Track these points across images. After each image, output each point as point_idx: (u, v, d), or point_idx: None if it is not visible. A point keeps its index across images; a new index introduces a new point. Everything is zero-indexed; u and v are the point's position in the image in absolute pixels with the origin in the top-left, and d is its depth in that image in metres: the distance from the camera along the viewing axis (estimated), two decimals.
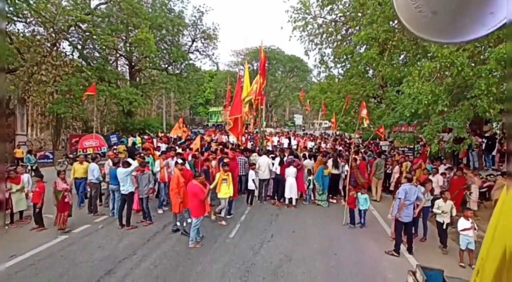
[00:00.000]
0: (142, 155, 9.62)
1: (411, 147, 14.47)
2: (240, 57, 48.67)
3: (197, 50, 30.94)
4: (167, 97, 36.25)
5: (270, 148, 14.92)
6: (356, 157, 11.57)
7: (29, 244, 6.48)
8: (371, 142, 20.03)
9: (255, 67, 36.97)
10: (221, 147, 12.16)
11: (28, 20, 18.94)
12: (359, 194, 8.08)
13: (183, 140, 15.28)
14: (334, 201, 10.36)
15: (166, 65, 29.05)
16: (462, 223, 6.20)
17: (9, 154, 17.79)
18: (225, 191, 7.78)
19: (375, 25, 10.83)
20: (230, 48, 61.93)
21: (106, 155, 10.39)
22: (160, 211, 8.77)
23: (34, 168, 12.75)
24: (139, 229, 7.51)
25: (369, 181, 10.72)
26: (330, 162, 10.49)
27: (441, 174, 9.22)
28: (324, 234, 7.53)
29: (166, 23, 25.40)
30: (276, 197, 9.91)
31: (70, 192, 7.47)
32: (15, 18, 17.98)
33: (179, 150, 10.85)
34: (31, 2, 17.61)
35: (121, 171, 7.48)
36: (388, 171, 11.42)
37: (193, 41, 30.16)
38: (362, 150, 14.53)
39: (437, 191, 8.42)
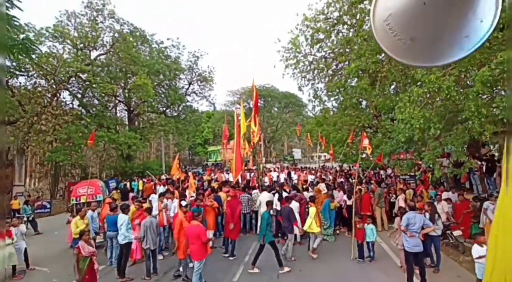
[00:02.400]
0: (138, 198, 9.38)
1: (412, 174, 14.34)
2: (236, 97, 50.10)
3: (194, 93, 31.93)
4: (165, 139, 36.62)
5: (267, 183, 14.75)
6: (361, 187, 11.44)
7: None
8: (373, 171, 19.90)
9: (251, 105, 37.99)
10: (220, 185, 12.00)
11: (30, 73, 19.74)
12: (365, 225, 7.83)
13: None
14: (338, 232, 10.05)
15: (164, 108, 29.77)
16: (477, 250, 5.90)
17: (6, 206, 17.46)
18: None
19: (363, 58, 11.37)
20: (226, 88, 64.17)
21: (101, 204, 9.82)
22: (160, 257, 8.35)
23: (30, 218, 12.39)
24: (137, 278, 7.07)
25: (372, 212, 10.48)
26: (336, 194, 10.34)
27: (445, 200, 9.02)
28: (333, 270, 7.15)
29: (163, 68, 26.52)
30: (279, 234, 9.54)
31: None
32: (17, 72, 18.74)
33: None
34: (33, 56, 18.54)
35: (121, 217, 7.24)
36: (392, 200, 11.19)
37: (189, 84, 31.26)
38: (364, 180, 14.35)
39: (443, 218, 8.18)
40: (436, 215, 7.42)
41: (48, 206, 17.06)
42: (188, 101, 31.31)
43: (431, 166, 8.52)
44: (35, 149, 19.92)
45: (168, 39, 33.18)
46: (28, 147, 19.08)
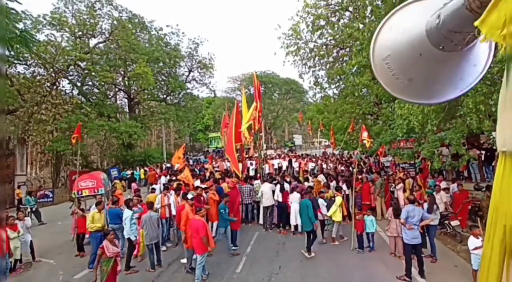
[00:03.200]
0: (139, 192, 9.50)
1: (412, 162, 14.43)
2: (236, 83, 49.74)
3: (194, 80, 31.72)
4: (166, 127, 36.64)
5: (267, 171, 14.83)
6: (361, 177, 11.54)
7: None
8: (374, 159, 20.01)
9: (251, 92, 37.73)
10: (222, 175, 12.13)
11: (29, 62, 19.56)
12: (365, 216, 7.97)
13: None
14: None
15: (164, 96, 29.64)
16: (473, 242, 6.05)
17: (8, 195, 17.71)
18: None
19: (364, 53, 11.19)
20: (226, 74, 63.54)
21: (104, 197, 9.77)
22: (163, 248, 8.53)
23: (34, 209, 12.60)
24: (142, 269, 7.28)
25: (372, 201, 10.64)
26: (332, 184, 10.44)
27: (444, 190, 9.13)
28: (333, 261, 7.34)
29: (163, 56, 26.22)
30: (281, 225, 9.73)
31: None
32: (15, 61, 18.55)
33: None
34: (31, 45, 18.30)
35: (125, 213, 7.33)
36: (391, 189, 11.32)
37: (189, 71, 30.99)
38: (364, 169, 14.43)
39: (441, 208, 8.32)
40: (435, 206, 7.56)
41: (51, 195, 17.28)
42: (188, 88, 31.17)
43: (430, 157, 8.58)
44: (35, 138, 20.00)
45: (167, 26, 32.68)
46: (28, 136, 19.16)
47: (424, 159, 15.73)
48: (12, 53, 16.07)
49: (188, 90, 31.28)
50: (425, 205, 7.42)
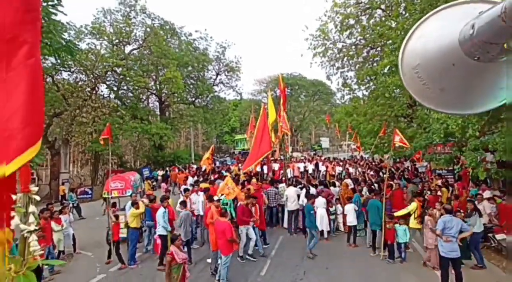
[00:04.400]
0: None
1: (450, 168, 13.54)
2: (262, 85, 49.88)
3: (221, 83, 32.36)
4: (194, 129, 37.62)
5: (292, 174, 14.71)
6: (392, 183, 11.05)
7: None
8: (407, 164, 19.12)
9: (277, 94, 37.75)
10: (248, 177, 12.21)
11: (72, 69, 21.04)
12: (397, 225, 7.60)
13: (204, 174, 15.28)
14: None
15: (193, 99, 30.49)
16: None
17: (54, 191, 19.15)
18: None
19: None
20: (253, 77, 63.87)
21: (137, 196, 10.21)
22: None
23: (75, 205, 13.54)
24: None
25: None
26: (364, 190, 10.12)
27: (488, 199, 8.44)
28: (361, 270, 7.09)
29: (192, 60, 27.05)
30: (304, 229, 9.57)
31: None
32: (61, 69, 20.03)
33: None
34: (74, 54, 19.67)
35: (159, 211, 7.61)
36: (426, 197, 10.72)
37: (217, 74, 31.65)
38: (396, 175, 13.78)
39: (485, 220, 7.72)
40: (475, 213, 7.05)
41: (90, 192, 18.43)
42: (215, 91, 31.87)
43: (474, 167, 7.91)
44: (77, 139, 21.42)
45: (196, 31, 33.67)
46: (71, 137, 20.59)
47: (464, 165, 14.67)
48: (59, 61, 17.46)
49: (216, 93, 31.96)
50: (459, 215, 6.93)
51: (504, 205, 8.08)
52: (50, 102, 18.42)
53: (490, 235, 7.78)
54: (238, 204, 8.27)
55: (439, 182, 11.65)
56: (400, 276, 6.76)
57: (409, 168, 18.74)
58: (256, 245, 7.92)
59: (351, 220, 8.64)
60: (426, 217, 7.17)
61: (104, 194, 10.17)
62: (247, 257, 7.82)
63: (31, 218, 1.79)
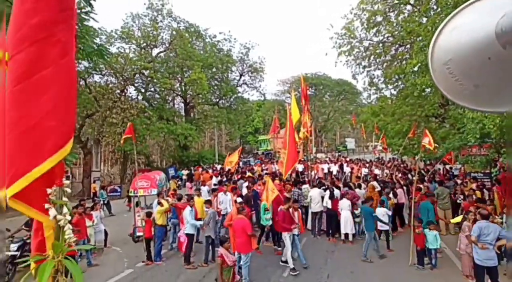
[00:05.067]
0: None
1: (487, 171, 12.68)
2: (286, 86, 49.55)
3: (245, 84, 32.58)
4: (218, 129, 38.16)
5: (315, 175, 14.51)
6: (421, 186, 10.59)
7: (101, 278, 7.10)
8: (439, 166, 18.20)
9: (301, 94, 37.44)
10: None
11: (103, 72, 22.12)
12: (426, 230, 7.24)
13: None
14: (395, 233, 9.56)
15: (217, 100, 30.94)
16: None
17: (86, 188, 20.22)
18: None
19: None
20: (276, 77, 63.82)
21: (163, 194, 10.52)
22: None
23: (105, 202, 14.22)
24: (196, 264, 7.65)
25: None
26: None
27: None
28: (387, 276, 6.83)
29: (216, 62, 27.49)
30: (330, 233, 9.39)
31: None
32: (93, 72, 21.13)
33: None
34: (106, 57, 20.66)
35: (186, 210, 7.81)
36: (458, 201, 10.15)
37: (241, 75, 31.91)
38: (427, 177, 13.13)
39: None
40: None
41: (119, 190, 19.25)
42: (239, 92, 32.14)
43: None
44: (108, 139, 22.43)
45: (220, 33, 34.08)
46: (102, 137, 21.63)
47: (502, 167, 13.68)
48: (91, 64, 18.42)
49: (239, 94, 32.23)
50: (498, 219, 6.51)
51: None
52: (83, 104, 19.39)
53: None
54: (279, 209, 7.82)
55: (474, 185, 10.96)
56: None
57: (441, 170, 17.82)
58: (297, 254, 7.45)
59: (383, 224, 8.34)
60: (465, 223, 6.77)
61: (130, 192, 10.36)
62: (281, 263, 7.44)
63: (65, 209, 1.96)
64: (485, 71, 0.99)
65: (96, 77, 22.45)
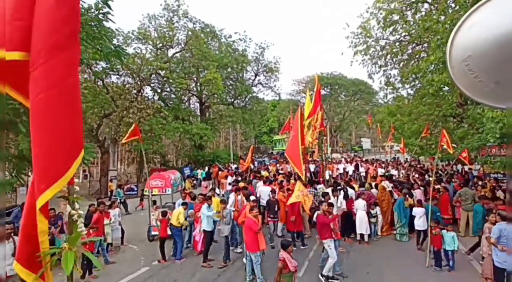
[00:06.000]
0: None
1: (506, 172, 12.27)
2: (301, 86, 49.32)
3: (260, 83, 32.61)
4: (233, 129, 38.37)
5: (329, 175, 14.40)
6: (439, 186, 10.36)
7: (118, 275, 7.28)
8: (451, 166, 17.70)
9: None
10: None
11: (120, 72, 22.65)
12: (444, 231, 7.09)
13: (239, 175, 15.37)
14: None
15: (232, 100, 31.12)
16: None
17: (103, 186, 20.79)
18: None
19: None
20: (291, 77, 63.54)
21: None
22: (238, 250, 8.60)
23: (122, 200, 14.56)
24: (211, 263, 7.73)
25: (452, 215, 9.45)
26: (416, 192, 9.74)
27: None
28: (404, 277, 6.72)
29: (231, 62, 27.67)
30: (345, 233, 9.30)
31: None
32: (110, 72, 21.67)
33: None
34: (123, 58, 21.14)
35: (203, 208, 7.89)
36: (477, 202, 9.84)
37: (256, 75, 31.96)
38: (444, 178, 12.82)
39: None
40: None
41: (135, 189, 19.69)
42: (254, 92, 32.18)
43: None
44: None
45: (235, 33, 34.28)
46: (119, 137, 22.10)
47: None
48: (108, 65, 18.93)
49: (254, 94, 32.26)
50: None
51: None
52: (101, 104, 19.86)
53: None
54: (316, 214, 7.44)
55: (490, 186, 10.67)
56: None
57: (460, 171, 17.29)
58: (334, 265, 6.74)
59: (420, 223, 8.22)
60: (486, 224, 6.59)
61: (145, 191, 10.46)
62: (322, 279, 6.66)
63: (77, 205, 2.22)
64: (507, 68, 1.00)
65: (113, 78, 22.96)
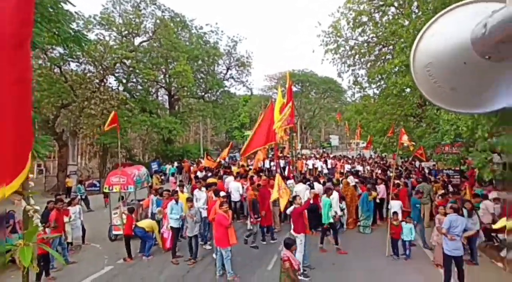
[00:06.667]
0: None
1: (457, 168, 13.40)
2: (273, 81, 49.67)
3: (232, 78, 32.28)
4: (204, 123, 37.79)
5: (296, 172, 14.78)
6: (399, 182, 11.03)
7: (79, 275, 6.92)
8: (412, 162, 18.92)
9: None
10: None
11: (80, 60, 21.14)
12: (403, 223, 7.63)
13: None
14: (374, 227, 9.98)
15: (203, 93, 30.54)
16: None
17: (61, 182, 19.48)
18: None
19: (408, 52, 10.58)
20: (263, 73, 63.75)
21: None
22: (208, 247, 8.54)
23: (83, 197, 13.75)
24: (179, 260, 7.63)
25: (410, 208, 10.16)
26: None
27: (494, 200, 8.37)
28: (366, 267, 7.13)
29: (202, 54, 27.05)
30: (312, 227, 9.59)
31: None
32: (69, 59, 20.18)
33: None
34: (83, 44, 19.81)
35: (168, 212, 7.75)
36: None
37: (227, 69, 31.60)
38: (403, 174, 13.70)
39: (486, 219, 7.68)
40: (474, 212, 7.17)
41: (98, 184, 18.58)
42: (226, 86, 31.78)
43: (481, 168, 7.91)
44: (85, 131, 21.59)
45: (207, 24, 33.62)
46: (79, 129, 20.71)
47: (470, 165, 14.48)
48: (67, 51, 17.63)
49: (226, 88, 31.88)
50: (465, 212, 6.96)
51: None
52: (58, 93, 18.43)
53: (493, 234, 7.76)
54: (293, 207, 7.33)
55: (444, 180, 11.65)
56: (404, 273, 6.79)
57: (419, 168, 18.54)
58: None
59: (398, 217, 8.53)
60: (437, 216, 7.21)
61: (105, 188, 9.71)
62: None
63: (32, 200, 2.19)
64: (461, 75, 1.07)
65: (73, 65, 21.30)
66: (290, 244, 4.87)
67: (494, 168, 9.19)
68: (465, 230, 6.14)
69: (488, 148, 7.37)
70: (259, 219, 8.57)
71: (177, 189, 9.24)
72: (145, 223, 8.00)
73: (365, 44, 18.49)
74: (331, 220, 8.21)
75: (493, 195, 8.92)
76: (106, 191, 9.77)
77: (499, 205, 8.33)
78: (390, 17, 16.07)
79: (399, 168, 16.34)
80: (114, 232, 9.16)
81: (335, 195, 8.92)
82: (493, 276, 6.61)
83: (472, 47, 0.94)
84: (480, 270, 6.85)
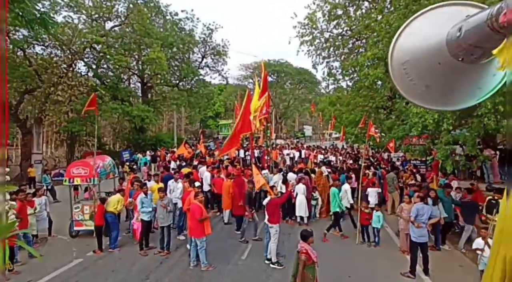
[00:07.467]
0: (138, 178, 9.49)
1: (423, 159, 14.24)
2: (248, 71, 49.35)
3: (207, 66, 31.64)
4: (177, 112, 36.91)
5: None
6: (368, 171, 11.54)
7: (45, 269, 6.60)
8: (381, 153, 19.83)
9: None
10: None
11: (46, 43, 19.78)
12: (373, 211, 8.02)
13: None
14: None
15: (177, 82, 29.69)
16: (478, 242, 6.03)
17: (25, 172, 18.33)
18: None
19: (381, 45, 10.94)
20: (239, 62, 63.05)
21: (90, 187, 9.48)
22: (182, 237, 8.49)
23: (49, 187, 13.06)
24: (152, 251, 7.56)
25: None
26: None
27: (456, 189, 9.01)
28: (337, 254, 7.45)
29: (177, 41, 26.17)
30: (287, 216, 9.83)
31: None
32: (34, 42, 18.82)
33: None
34: (49, 27, 18.46)
35: (138, 198, 7.57)
36: (400, 184, 11.30)
37: (203, 57, 30.88)
38: (373, 164, 14.34)
39: None
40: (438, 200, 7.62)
41: (65, 174, 17.77)
42: (201, 74, 31.08)
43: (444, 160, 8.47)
44: (52, 119, 20.46)
45: (182, 11, 32.32)
46: (45, 116, 19.50)
47: (435, 156, 15.47)
48: (31, 34, 16.36)
49: (201, 77, 31.19)
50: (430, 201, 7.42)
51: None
52: (21, 78, 17.30)
53: (454, 221, 8.36)
54: (270, 198, 7.36)
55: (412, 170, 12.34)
56: (373, 259, 7.19)
57: (387, 158, 19.44)
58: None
59: (373, 202, 9.23)
60: (402, 204, 7.65)
61: (64, 181, 8.85)
62: (267, 262, 6.90)
63: (7, 195, 2.03)
64: (435, 75, 1.13)
65: (38, 49, 19.94)
66: (307, 236, 4.67)
67: (457, 159, 9.88)
68: (429, 218, 6.53)
69: (452, 140, 7.88)
70: (253, 211, 8.61)
71: (146, 180, 9.07)
72: (113, 201, 7.69)
73: (340, 37, 18.81)
74: (337, 209, 8.60)
75: (455, 184, 9.59)
76: (66, 183, 8.87)
77: (461, 193, 8.96)
78: (364, 11, 16.42)
79: (370, 158, 17.03)
80: (76, 228, 8.62)
81: (346, 186, 9.27)
82: (455, 262, 7.16)
83: (447, 49, 0.99)
84: (442, 255, 7.38)
